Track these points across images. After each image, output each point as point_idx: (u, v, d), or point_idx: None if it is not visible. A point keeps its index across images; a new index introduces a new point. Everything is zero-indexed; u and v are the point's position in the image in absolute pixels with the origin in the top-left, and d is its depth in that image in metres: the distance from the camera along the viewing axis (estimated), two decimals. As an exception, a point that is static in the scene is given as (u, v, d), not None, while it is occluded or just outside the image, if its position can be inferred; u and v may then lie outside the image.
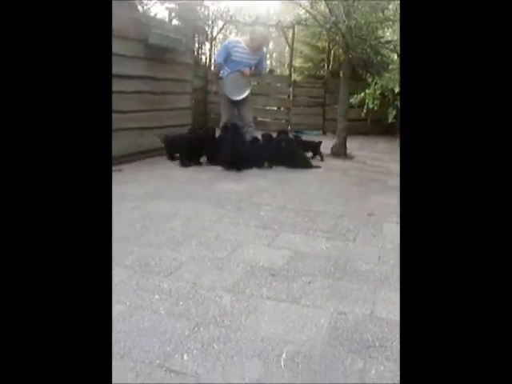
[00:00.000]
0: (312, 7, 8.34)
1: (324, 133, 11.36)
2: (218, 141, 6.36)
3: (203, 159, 6.39)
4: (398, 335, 2.15)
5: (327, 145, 7.56)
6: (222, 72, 6.71)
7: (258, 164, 6.19)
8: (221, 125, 6.75)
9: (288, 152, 6.39)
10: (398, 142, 7.77)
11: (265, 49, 7.60)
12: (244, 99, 6.73)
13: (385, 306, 2.43)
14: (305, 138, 7.41)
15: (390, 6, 7.27)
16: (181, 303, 2.40)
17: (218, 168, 6.10)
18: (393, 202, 4.50)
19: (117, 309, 2.31)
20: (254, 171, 6.05)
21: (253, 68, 6.72)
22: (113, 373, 1.83)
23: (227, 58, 6.59)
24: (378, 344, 2.11)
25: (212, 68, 9.01)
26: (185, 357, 1.96)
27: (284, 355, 1.99)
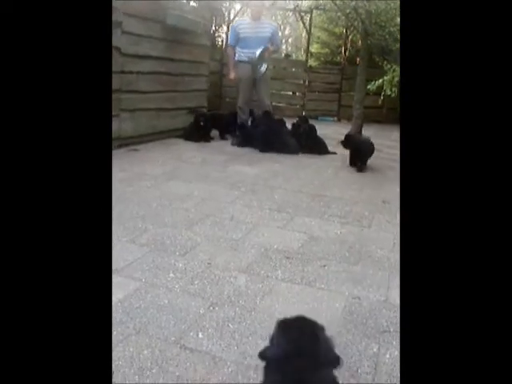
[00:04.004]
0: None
1: (339, 119, 11.28)
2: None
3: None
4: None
5: (342, 132, 7.51)
6: (237, 55, 6.73)
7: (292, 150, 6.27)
8: (237, 106, 6.85)
9: (309, 138, 6.41)
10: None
11: (275, 24, 7.64)
12: (262, 81, 6.72)
13: (399, 293, 2.42)
14: (320, 124, 7.39)
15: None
16: (196, 282, 2.41)
17: (229, 150, 6.22)
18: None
19: (132, 285, 2.32)
20: (268, 155, 6.04)
21: (269, 45, 6.70)
22: (129, 348, 1.85)
23: (237, 38, 6.71)
24: (392, 329, 2.11)
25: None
26: (200, 335, 1.98)
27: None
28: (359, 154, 5.57)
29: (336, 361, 1.37)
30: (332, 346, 1.41)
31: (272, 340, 1.43)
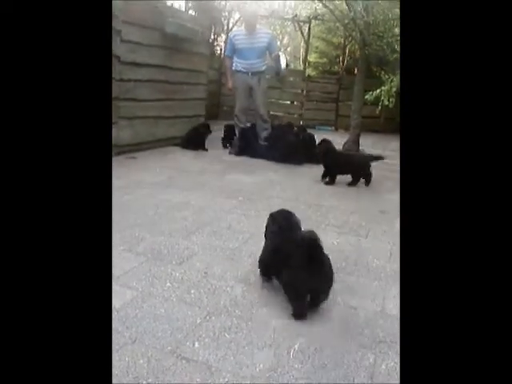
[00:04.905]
0: (329, 1, 8.28)
1: (336, 129, 11.33)
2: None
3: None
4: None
5: (339, 141, 7.53)
6: (234, 65, 6.81)
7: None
8: (234, 114, 6.94)
9: (308, 147, 6.44)
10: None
11: (270, 32, 7.64)
12: (259, 90, 6.75)
13: (395, 303, 2.42)
14: (317, 133, 7.42)
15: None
16: (192, 291, 2.41)
17: (227, 159, 6.25)
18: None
19: (129, 295, 2.32)
20: (265, 164, 6.05)
21: (267, 54, 6.76)
22: (125, 358, 1.85)
23: (234, 49, 6.76)
24: (388, 340, 2.11)
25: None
26: (196, 344, 1.97)
27: (296, 347, 1.99)
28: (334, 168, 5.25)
29: (299, 226, 2.62)
30: (299, 223, 2.63)
31: (268, 224, 2.69)
